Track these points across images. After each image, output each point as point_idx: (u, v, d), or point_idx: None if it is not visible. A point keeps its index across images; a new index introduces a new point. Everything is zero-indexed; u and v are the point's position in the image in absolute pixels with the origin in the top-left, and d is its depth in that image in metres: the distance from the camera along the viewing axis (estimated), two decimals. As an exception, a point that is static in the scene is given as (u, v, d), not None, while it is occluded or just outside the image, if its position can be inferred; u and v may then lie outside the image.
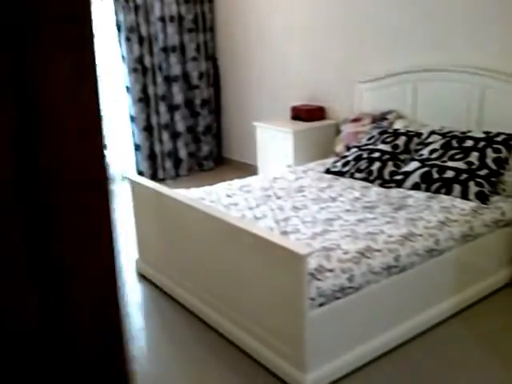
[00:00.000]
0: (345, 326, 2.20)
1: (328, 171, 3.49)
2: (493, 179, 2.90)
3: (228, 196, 3.08)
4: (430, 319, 2.53)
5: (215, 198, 3.05)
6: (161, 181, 5.26)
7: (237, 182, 3.35)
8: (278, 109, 4.84)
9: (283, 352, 2.18)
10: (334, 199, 2.97)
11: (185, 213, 2.65)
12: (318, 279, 2.10)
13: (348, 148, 3.81)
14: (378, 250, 2.31)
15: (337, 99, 4.32)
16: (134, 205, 3.13)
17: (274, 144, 4.32)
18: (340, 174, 3.41)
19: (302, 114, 4.36)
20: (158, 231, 2.94)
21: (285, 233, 2.51)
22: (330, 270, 2.15)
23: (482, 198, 2.81)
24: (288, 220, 2.67)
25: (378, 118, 3.82)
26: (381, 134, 3.52)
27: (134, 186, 3.09)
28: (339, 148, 3.92)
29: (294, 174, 3.51)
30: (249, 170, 5.04)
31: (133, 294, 3.04)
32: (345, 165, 3.43)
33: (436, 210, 2.72)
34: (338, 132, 4.05)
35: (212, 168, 5.55)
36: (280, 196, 3.07)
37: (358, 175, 3.31)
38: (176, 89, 5.21)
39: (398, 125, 3.68)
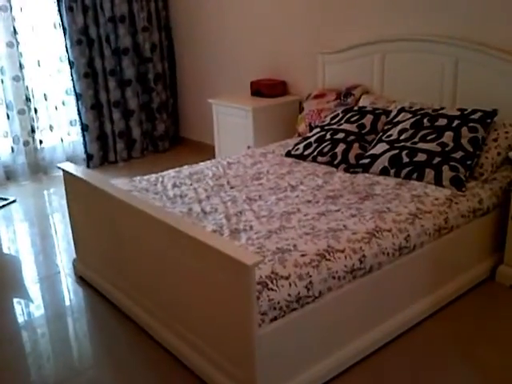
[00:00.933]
0: (303, 340, 1.91)
1: (289, 154, 3.16)
2: (469, 162, 2.61)
3: (175, 186, 2.72)
4: (402, 324, 2.26)
5: (160, 188, 2.69)
6: (112, 164, 4.86)
7: (186, 169, 2.99)
8: (237, 84, 4.46)
9: (231, 373, 1.88)
10: (293, 188, 2.65)
11: (120, 209, 2.29)
12: (271, 289, 1.79)
13: (311, 127, 3.48)
14: (341, 251, 2.01)
15: (300, 73, 3.97)
16: (68, 199, 2.75)
17: (232, 123, 3.96)
18: (302, 157, 3.08)
19: (263, 90, 4.00)
20: (95, 230, 2.57)
21: (236, 231, 2.18)
22: (285, 277, 1.84)
23: (458, 183, 2.53)
24: (241, 215, 2.34)
25: (343, 94, 3.49)
26: (345, 112, 3.19)
27: (66, 176, 2.70)
28: (302, 127, 3.59)
29: (252, 157, 3.17)
30: (208, 151, 4.68)
31: (70, 298, 2.69)
32: (307, 147, 3.10)
33: (406, 199, 2.42)
34: (302, 109, 3.71)
35: (167, 149, 5.17)
36: (234, 185, 2.73)
37: (320, 159, 2.99)
38: (126, 62, 4.77)
39: (365, 101, 3.37)
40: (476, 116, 2.75)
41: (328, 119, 3.23)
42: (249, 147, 3.80)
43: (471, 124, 2.72)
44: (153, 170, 4.51)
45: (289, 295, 1.82)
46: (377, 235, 2.13)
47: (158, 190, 2.65)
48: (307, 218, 2.28)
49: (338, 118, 3.16)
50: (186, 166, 3.05)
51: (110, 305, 2.56)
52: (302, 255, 1.95)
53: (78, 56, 4.53)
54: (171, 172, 2.95)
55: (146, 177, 2.88)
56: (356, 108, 3.19)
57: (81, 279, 2.82)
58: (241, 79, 4.42)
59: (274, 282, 1.82)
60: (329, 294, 1.94)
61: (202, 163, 3.13)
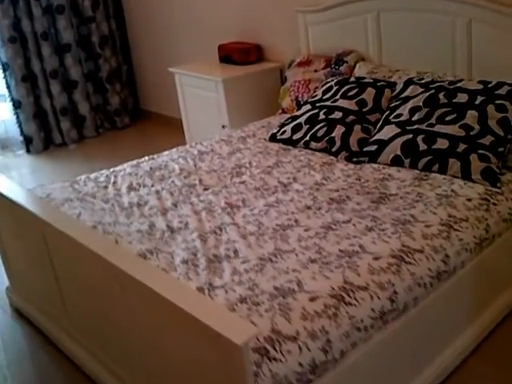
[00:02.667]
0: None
1: (274, 138, 2.56)
2: (500, 149, 2.09)
3: (132, 189, 2.11)
4: (442, 371, 1.75)
5: (112, 193, 2.07)
6: (60, 146, 4.15)
7: (146, 163, 2.37)
8: (202, 48, 3.78)
9: None
10: (286, 187, 2.07)
11: (52, 235, 1.67)
12: (274, 359, 1.24)
13: (298, 103, 2.88)
14: (363, 288, 1.47)
15: (278, 35, 3.32)
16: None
17: (201, 97, 3.31)
18: (290, 142, 2.50)
19: (234, 55, 3.35)
20: (29, 255, 1.95)
21: (215, 259, 1.61)
22: (292, 338, 1.29)
23: (491, 177, 2.01)
24: (221, 232, 1.76)
25: (334, 61, 2.89)
26: (340, 84, 2.60)
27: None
28: (287, 102, 2.98)
29: (229, 144, 2.56)
30: (176, 126, 4.04)
31: (2, 336, 2.09)
32: (296, 129, 2.51)
33: (432, 201, 1.88)
34: (285, 79, 3.10)
35: (128, 125, 4.47)
36: (209, 185, 2.13)
37: (314, 145, 2.41)
38: (63, 23, 3.98)
39: (361, 70, 2.78)
40: (503, 91, 2.21)
41: (320, 93, 2.63)
42: (224, 127, 3.18)
43: (498, 101, 2.18)
44: (112, 151, 3.91)
45: (300, 364, 1.27)
46: (406, 259, 1.59)
47: (109, 197, 2.03)
48: (309, 234, 1.72)
49: (331, 92, 2.57)
50: (146, 158, 2.42)
51: (53, 348, 1.97)
52: (312, 299, 1.40)
53: (0, 17, 3.72)
54: (127, 167, 2.32)
55: (92, 175, 2.25)
56: (353, 79, 2.60)
57: (17, 312, 2.20)
58: (206, 42, 3.74)
59: (277, 346, 1.27)
60: (353, 351, 1.40)
61: (165, 152, 2.51)
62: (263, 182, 2.13)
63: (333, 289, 1.44)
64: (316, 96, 2.63)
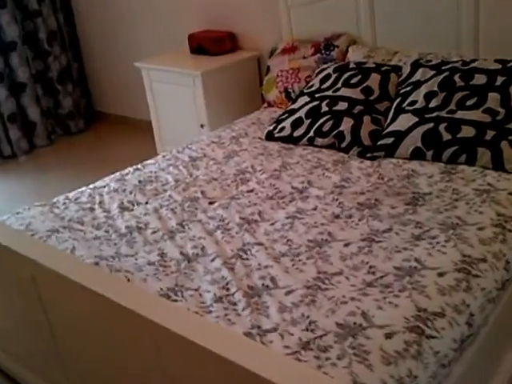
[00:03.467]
0: None
1: (271, 137, 2.29)
2: (530, 134, 1.91)
3: (124, 209, 1.77)
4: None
5: (102, 216, 1.73)
6: (9, 159, 3.68)
7: (132, 175, 2.03)
8: (170, 39, 3.42)
9: None
10: (302, 193, 1.81)
11: (42, 275, 1.33)
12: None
13: (288, 94, 2.62)
14: (440, 314, 1.23)
15: (254, 21, 3.03)
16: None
17: (173, 93, 2.97)
18: (291, 140, 2.23)
19: (207, 45, 3.02)
20: (12, 307, 1.58)
21: (253, 292, 1.32)
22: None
23: (527, 166, 1.83)
24: (246, 254, 1.48)
25: (323, 46, 2.64)
26: (339, 70, 2.35)
27: None
28: (274, 94, 2.70)
29: (221, 146, 2.26)
30: (139, 127, 3.68)
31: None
32: (296, 125, 2.24)
33: (473, 198, 1.68)
34: (268, 69, 2.81)
35: (83, 129, 4.04)
36: (214, 197, 1.83)
37: (321, 141, 2.16)
38: (6, 18, 3.52)
39: (356, 55, 2.54)
40: (522, 68, 2.04)
41: (317, 82, 2.37)
42: (202, 126, 2.87)
43: (519, 80, 2.01)
44: (67, 161, 3.50)
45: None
46: (473, 272, 1.37)
47: (100, 221, 1.69)
48: (352, 250, 1.47)
49: (331, 81, 2.32)
50: (130, 169, 2.08)
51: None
52: (387, 336, 1.15)
53: None
54: (110, 182, 1.98)
55: (72, 195, 1.89)
56: (353, 65, 2.36)
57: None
58: (172, 32, 3.39)
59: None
60: (438, 393, 1.17)
61: (150, 161, 2.17)
62: (275, 189, 1.85)
63: (407, 320, 1.20)
64: (313, 86, 2.37)
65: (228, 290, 1.33)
